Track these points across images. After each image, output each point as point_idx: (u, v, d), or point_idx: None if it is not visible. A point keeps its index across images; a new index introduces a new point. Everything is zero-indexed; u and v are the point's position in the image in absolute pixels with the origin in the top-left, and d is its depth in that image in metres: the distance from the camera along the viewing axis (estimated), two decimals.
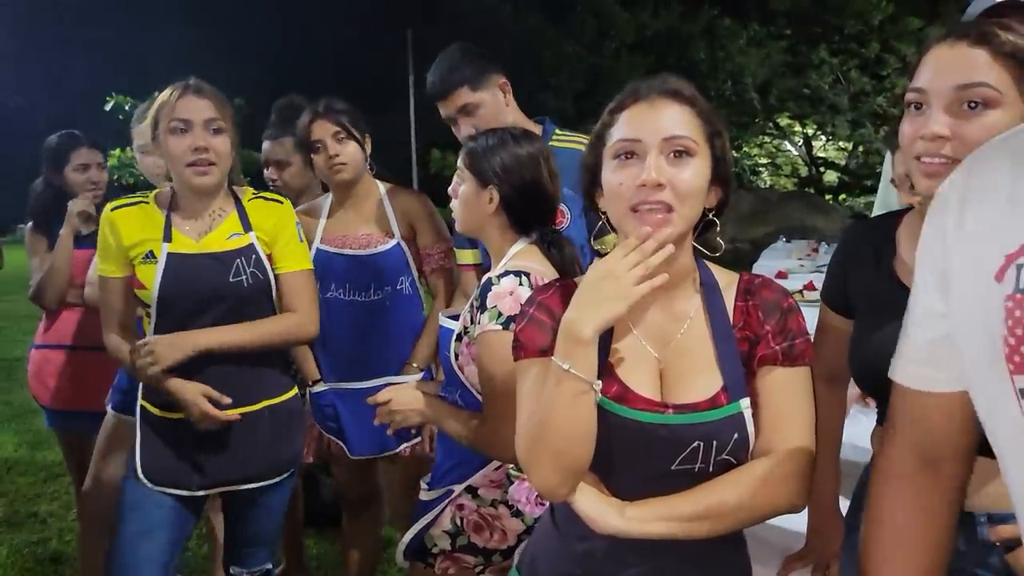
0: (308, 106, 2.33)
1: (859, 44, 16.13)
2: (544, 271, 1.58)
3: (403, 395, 1.74)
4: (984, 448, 0.98)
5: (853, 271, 1.32)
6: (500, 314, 1.49)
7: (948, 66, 1.12)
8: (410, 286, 2.38)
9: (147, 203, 1.92)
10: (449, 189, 1.76)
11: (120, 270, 1.90)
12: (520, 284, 1.52)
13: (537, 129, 2.32)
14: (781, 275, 5.96)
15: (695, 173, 1.11)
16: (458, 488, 1.68)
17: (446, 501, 1.69)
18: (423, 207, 2.41)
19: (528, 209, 1.69)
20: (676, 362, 1.16)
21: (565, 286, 1.23)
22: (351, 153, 2.29)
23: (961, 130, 1.10)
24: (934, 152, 1.12)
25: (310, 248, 2.30)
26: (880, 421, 1.32)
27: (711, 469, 1.11)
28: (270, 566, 2.14)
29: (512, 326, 1.41)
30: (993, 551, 1.16)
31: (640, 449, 1.12)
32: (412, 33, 19.20)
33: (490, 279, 1.55)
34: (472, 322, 1.58)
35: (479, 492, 1.67)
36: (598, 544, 1.16)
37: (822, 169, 21.01)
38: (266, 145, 2.72)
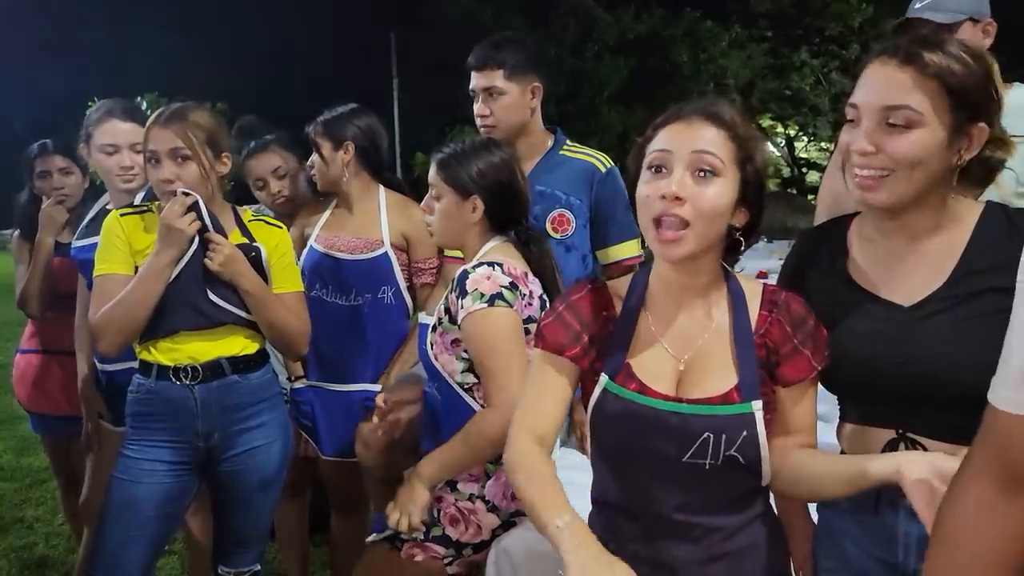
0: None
1: (839, 46, 16.32)
2: (515, 263, 1.66)
3: (402, 495, 1.70)
4: None
5: (811, 277, 1.35)
6: (482, 294, 1.57)
7: (877, 85, 1.18)
8: (393, 296, 2.35)
9: (153, 212, 1.96)
10: (422, 205, 1.81)
11: (127, 268, 1.93)
12: (495, 271, 1.60)
13: (550, 138, 2.37)
14: (762, 275, 6.00)
15: (717, 192, 1.17)
16: None
17: None
18: (422, 219, 2.40)
19: (507, 211, 1.76)
20: (695, 364, 1.22)
21: (596, 290, 1.30)
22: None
23: (888, 146, 1.16)
24: (864, 165, 1.18)
25: (305, 244, 2.38)
26: (843, 418, 1.37)
27: (720, 466, 1.17)
28: (259, 567, 2.17)
29: (497, 302, 1.55)
30: None
31: (652, 437, 1.18)
32: (395, 36, 19.23)
33: (465, 270, 1.64)
34: (446, 312, 1.64)
35: (457, 485, 1.71)
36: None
37: (804, 170, 21.19)
38: (254, 163, 2.55)
